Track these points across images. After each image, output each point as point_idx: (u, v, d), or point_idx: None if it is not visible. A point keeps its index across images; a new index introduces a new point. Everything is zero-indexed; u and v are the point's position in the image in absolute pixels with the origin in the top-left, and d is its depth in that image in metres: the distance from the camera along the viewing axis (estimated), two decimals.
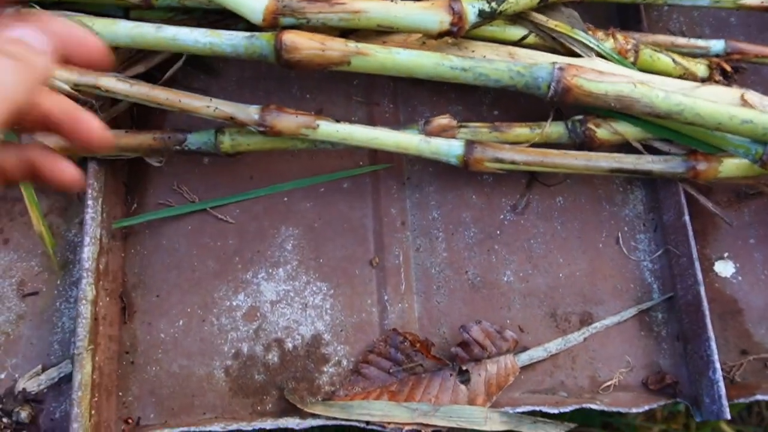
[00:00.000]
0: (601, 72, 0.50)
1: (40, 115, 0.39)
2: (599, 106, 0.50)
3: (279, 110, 0.54)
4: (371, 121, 0.62)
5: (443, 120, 0.56)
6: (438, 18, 0.51)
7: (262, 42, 0.51)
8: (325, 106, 0.63)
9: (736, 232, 0.59)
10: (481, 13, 0.52)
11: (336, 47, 0.51)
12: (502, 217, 0.59)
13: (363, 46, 0.51)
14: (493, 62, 0.51)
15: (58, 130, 0.40)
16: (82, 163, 0.59)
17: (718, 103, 0.49)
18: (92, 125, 0.39)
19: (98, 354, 0.55)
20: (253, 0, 0.51)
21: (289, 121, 0.54)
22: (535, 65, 0.50)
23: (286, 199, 0.60)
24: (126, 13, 0.58)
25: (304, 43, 0.50)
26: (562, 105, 0.54)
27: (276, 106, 0.54)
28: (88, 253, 0.56)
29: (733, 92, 0.53)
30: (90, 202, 0.57)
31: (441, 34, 0.52)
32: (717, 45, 0.60)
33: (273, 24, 0.52)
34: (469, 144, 0.55)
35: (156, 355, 0.57)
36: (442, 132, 0.56)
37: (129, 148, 0.57)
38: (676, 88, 0.53)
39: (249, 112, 0.54)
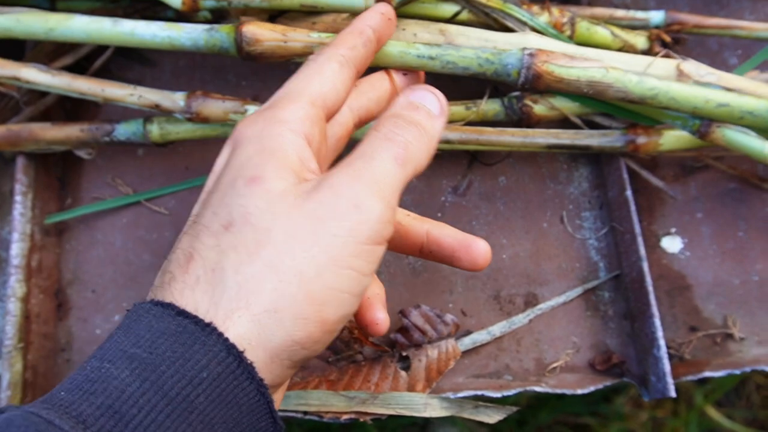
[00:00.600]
0: (572, 57, 0.48)
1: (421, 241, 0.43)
2: (571, 92, 0.49)
3: (205, 96, 0.53)
4: None
5: None
6: None
7: (222, 35, 0.50)
8: (260, 93, 0.61)
9: (683, 206, 0.58)
10: None
11: (298, 38, 0.49)
12: (443, 199, 0.58)
13: (326, 37, 0.49)
14: (461, 49, 0.49)
15: (433, 257, 0.43)
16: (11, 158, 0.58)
17: (691, 87, 0.48)
18: (481, 249, 0.41)
19: (31, 352, 0.54)
20: None
21: (215, 106, 0.53)
22: (503, 52, 0.48)
23: None
24: (52, 4, 0.57)
25: (265, 35, 0.49)
26: (534, 91, 0.52)
27: (202, 92, 0.53)
28: (17, 249, 0.54)
29: (669, 63, 0.52)
30: (18, 198, 0.55)
31: None
32: (656, 16, 0.58)
33: (193, 8, 0.51)
34: None
35: (92, 351, 0.55)
36: None
37: (56, 141, 0.56)
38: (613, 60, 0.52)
39: (174, 99, 0.53)
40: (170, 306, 0.30)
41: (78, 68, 0.57)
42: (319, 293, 0.30)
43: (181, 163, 0.59)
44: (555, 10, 0.56)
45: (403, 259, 0.56)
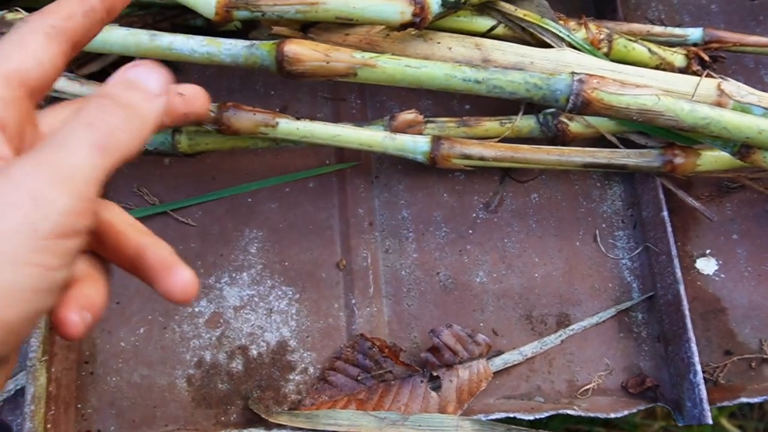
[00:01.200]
0: (623, 83, 0.47)
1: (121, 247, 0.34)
2: (620, 118, 0.48)
3: (236, 107, 0.52)
4: (337, 118, 0.60)
5: (409, 115, 0.54)
6: (399, 9, 0.49)
7: (262, 52, 0.49)
8: (290, 104, 0.60)
9: (718, 227, 0.57)
10: (445, 3, 0.50)
11: (341, 58, 0.48)
12: (474, 215, 0.57)
13: (370, 57, 0.48)
14: (508, 73, 0.48)
15: (139, 274, 0.34)
16: None
17: (744, 116, 0.47)
18: (179, 279, 0.33)
19: (55, 365, 0.53)
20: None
21: (246, 118, 0.52)
22: (552, 77, 0.47)
23: (249, 200, 0.58)
24: None
25: (307, 54, 0.48)
26: (582, 115, 0.51)
27: (233, 104, 0.52)
28: None
29: (709, 83, 0.51)
30: None
31: (403, 26, 0.50)
32: (695, 33, 0.57)
33: (226, 18, 0.50)
34: (436, 140, 0.52)
35: (116, 364, 0.55)
36: (408, 128, 0.54)
37: None
38: (651, 79, 0.51)
39: None
40: None
41: (104, 74, 0.56)
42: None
43: (208, 173, 0.58)
44: (592, 26, 0.55)
45: (434, 276, 0.56)
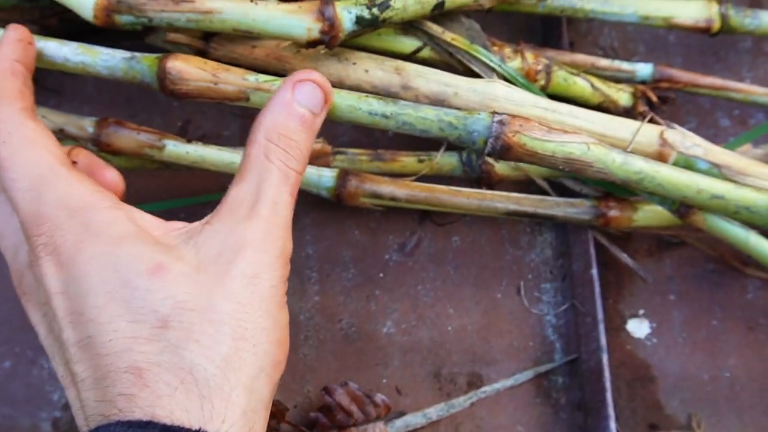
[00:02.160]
0: (549, 128, 0.41)
1: None
2: (544, 166, 0.42)
3: (118, 125, 0.46)
4: (244, 137, 0.53)
5: (315, 145, 0.48)
6: (305, 24, 0.43)
7: (143, 66, 0.42)
8: (194, 118, 0.54)
9: (655, 286, 0.51)
10: (360, 21, 0.44)
11: (232, 81, 0.42)
12: (387, 257, 0.51)
13: (264, 81, 0.42)
14: (420, 109, 0.41)
15: None
16: None
17: (682, 172, 0.42)
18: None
19: None
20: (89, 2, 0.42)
21: (129, 138, 0.46)
22: (470, 116, 0.41)
23: None
24: None
25: (192, 73, 0.42)
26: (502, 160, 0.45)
27: (115, 120, 0.46)
28: None
29: (652, 129, 0.45)
30: None
31: (311, 43, 0.44)
32: (644, 70, 0.52)
33: (107, 22, 0.43)
34: (343, 175, 0.46)
35: None
36: (315, 158, 0.48)
37: None
38: (586, 120, 0.45)
39: (82, 125, 0.46)
40: (152, 424, 0.28)
41: None
42: (282, 333, 0.32)
43: None
44: (529, 56, 0.49)
45: (336, 324, 0.50)
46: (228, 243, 0.31)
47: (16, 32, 0.38)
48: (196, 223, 0.33)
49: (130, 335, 0.29)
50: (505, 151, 0.42)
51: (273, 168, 0.33)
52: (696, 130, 0.53)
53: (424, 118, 0.42)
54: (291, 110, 0.34)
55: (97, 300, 0.29)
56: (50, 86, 0.55)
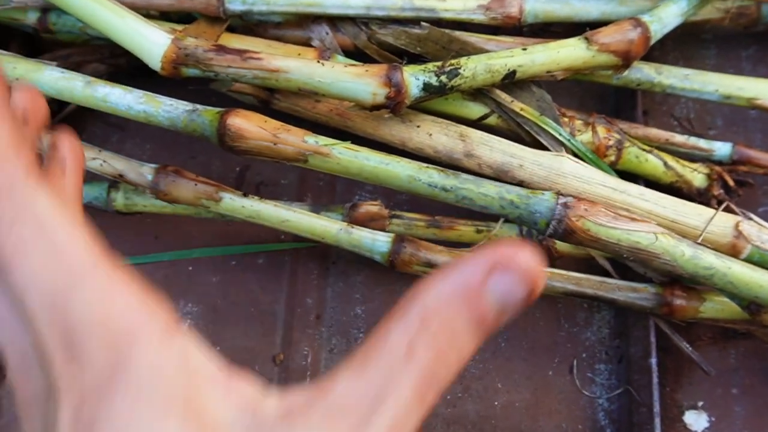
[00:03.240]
0: (616, 215, 0.40)
1: None
2: (608, 253, 0.41)
3: (177, 174, 0.46)
4: (303, 188, 0.53)
5: (372, 207, 0.47)
6: (370, 89, 0.42)
7: (204, 120, 0.42)
8: (253, 164, 0.54)
9: (717, 378, 0.49)
10: (427, 87, 0.43)
11: (291, 142, 0.41)
12: None
13: (323, 144, 0.42)
14: (482, 185, 0.40)
15: None
16: None
17: (756, 271, 0.40)
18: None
19: None
20: (151, 44, 0.42)
21: (186, 188, 0.45)
22: (533, 196, 0.40)
23: (191, 268, 0.52)
24: (37, 36, 0.51)
25: (252, 132, 0.42)
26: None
27: (174, 168, 0.46)
28: None
29: (726, 219, 0.43)
30: None
31: (375, 107, 0.43)
32: (722, 149, 0.49)
33: (174, 74, 0.43)
34: (398, 241, 0.45)
35: None
36: (370, 221, 0.47)
37: None
38: (654, 202, 0.43)
39: (142, 172, 0.46)
40: None
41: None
42: None
43: (151, 232, 0.52)
44: (601, 129, 0.47)
45: None
46: None
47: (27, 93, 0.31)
48: (272, 407, 0.22)
49: None
50: (568, 235, 0.40)
51: (413, 377, 0.22)
52: None
53: (486, 194, 0.41)
54: (473, 300, 0.23)
55: None
56: (113, 122, 0.55)
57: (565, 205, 0.39)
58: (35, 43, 0.53)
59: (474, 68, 0.43)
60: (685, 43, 0.57)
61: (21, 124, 0.29)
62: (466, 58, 0.44)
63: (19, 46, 0.53)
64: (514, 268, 0.23)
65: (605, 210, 0.40)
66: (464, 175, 0.41)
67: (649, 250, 0.40)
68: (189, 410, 0.21)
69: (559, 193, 0.40)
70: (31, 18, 0.50)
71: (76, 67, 0.50)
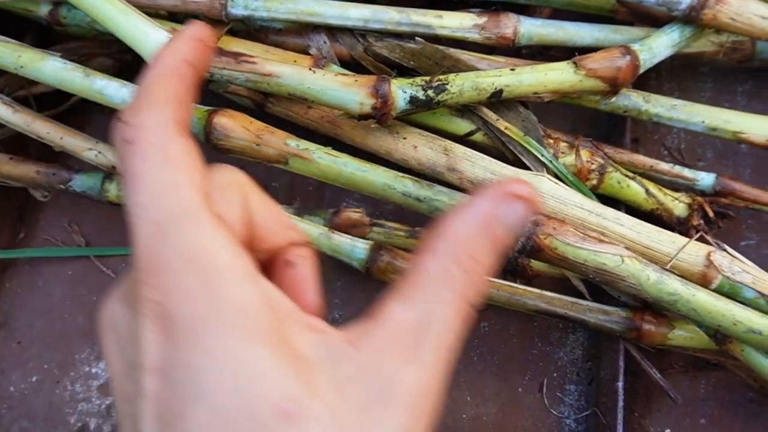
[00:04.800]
0: (584, 236, 0.41)
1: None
2: (574, 272, 0.42)
3: None
4: (292, 191, 0.55)
5: (354, 214, 0.48)
6: (358, 99, 0.43)
7: (192, 118, 0.44)
8: (246, 165, 0.55)
9: (686, 406, 0.49)
10: (413, 101, 0.44)
11: (273, 143, 0.43)
12: None
13: (304, 148, 0.43)
14: (454, 197, 0.42)
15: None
16: None
17: (719, 300, 0.40)
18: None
19: None
20: (151, 41, 0.44)
21: None
22: None
23: None
24: (49, 28, 0.53)
25: (237, 131, 0.43)
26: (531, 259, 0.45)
27: None
28: None
29: (699, 248, 0.43)
30: None
31: (362, 117, 0.44)
32: (706, 180, 0.50)
33: None
34: (376, 249, 0.46)
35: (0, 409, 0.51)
36: (351, 228, 0.48)
37: (11, 177, 0.51)
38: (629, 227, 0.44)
39: None
40: None
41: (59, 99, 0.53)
42: None
43: None
44: (585, 153, 0.48)
45: None
46: (376, 390, 0.24)
47: (196, 29, 0.31)
48: (340, 336, 0.25)
49: None
50: (536, 252, 0.41)
51: (451, 300, 0.26)
52: (756, 249, 0.51)
53: (447, 204, 0.42)
54: (490, 229, 0.27)
55: (199, 413, 0.22)
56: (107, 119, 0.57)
57: (535, 223, 0.40)
58: (50, 34, 0.55)
59: (461, 85, 0.44)
60: (682, 75, 0.57)
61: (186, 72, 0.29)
62: (454, 74, 0.45)
63: (33, 37, 0.55)
64: (517, 197, 0.27)
65: (574, 230, 0.41)
66: (439, 187, 0.42)
67: (615, 272, 0.40)
68: (278, 340, 0.23)
69: None
70: (44, 10, 0.52)
71: (84, 60, 0.52)
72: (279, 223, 0.30)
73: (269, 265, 0.30)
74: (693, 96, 0.56)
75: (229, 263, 0.24)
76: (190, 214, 0.25)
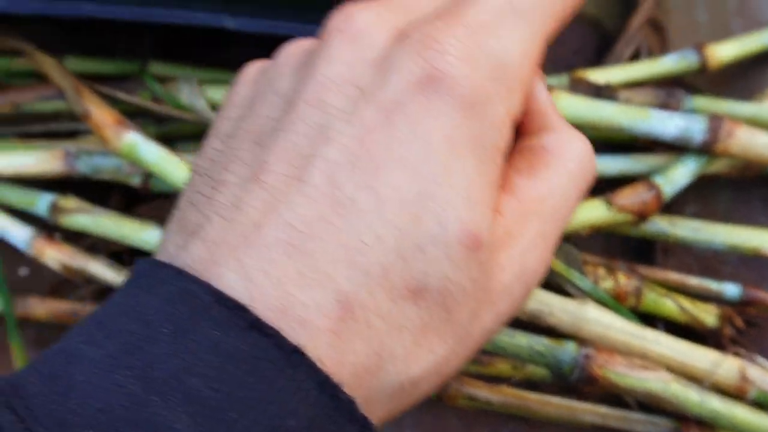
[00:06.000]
0: (631, 365, 0.47)
1: None
2: (626, 396, 0.49)
3: None
4: None
5: None
6: None
7: None
8: None
9: None
10: None
11: None
12: None
13: None
14: (514, 336, 0.49)
15: None
16: None
17: (756, 414, 0.47)
18: None
19: None
20: None
21: None
22: (558, 347, 0.48)
23: None
24: None
25: None
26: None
27: None
28: None
29: (733, 363, 0.49)
30: None
31: None
32: (731, 290, 0.55)
33: None
34: None
35: None
36: None
37: None
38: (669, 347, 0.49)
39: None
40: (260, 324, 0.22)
41: None
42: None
43: None
44: (621, 276, 0.54)
45: None
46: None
47: None
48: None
49: (379, 278, 0.23)
50: (590, 383, 0.47)
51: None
52: None
53: (517, 344, 0.48)
54: None
55: (392, 177, 0.23)
56: None
57: (587, 357, 0.46)
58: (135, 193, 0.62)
59: None
60: (699, 184, 0.63)
61: None
62: None
63: (118, 198, 0.62)
64: None
65: (621, 360, 0.47)
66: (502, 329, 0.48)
67: (661, 395, 0.46)
68: (482, 150, 0.25)
69: (582, 343, 0.47)
70: (135, 180, 0.59)
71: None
72: None
73: None
74: (710, 203, 0.62)
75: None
76: None
